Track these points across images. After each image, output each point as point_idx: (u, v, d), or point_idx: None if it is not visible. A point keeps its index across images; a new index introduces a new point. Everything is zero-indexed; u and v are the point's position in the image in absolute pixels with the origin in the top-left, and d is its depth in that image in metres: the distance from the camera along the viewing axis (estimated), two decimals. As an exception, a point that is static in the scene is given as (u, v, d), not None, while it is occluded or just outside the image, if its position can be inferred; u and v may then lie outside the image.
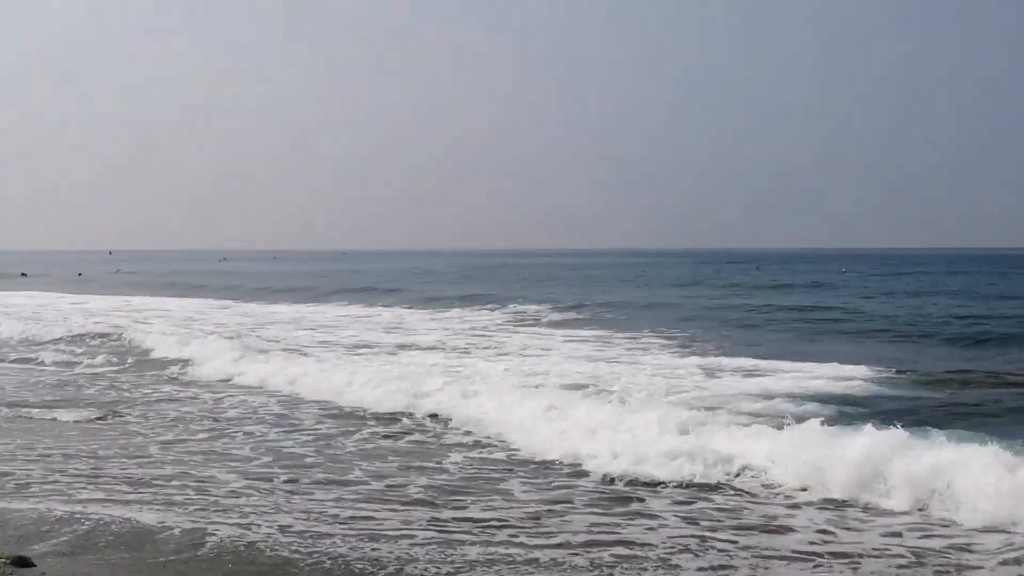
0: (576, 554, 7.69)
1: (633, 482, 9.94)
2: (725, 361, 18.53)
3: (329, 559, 7.55)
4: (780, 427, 11.00)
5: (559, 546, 7.87)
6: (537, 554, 7.69)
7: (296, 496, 9.43)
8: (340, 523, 8.52)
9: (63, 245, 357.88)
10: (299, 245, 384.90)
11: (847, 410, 13.25)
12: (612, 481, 10.01)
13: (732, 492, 9.63)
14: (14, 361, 20.93)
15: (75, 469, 10.52)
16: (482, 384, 14.88)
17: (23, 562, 7.17)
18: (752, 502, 9.29)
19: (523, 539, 8.08)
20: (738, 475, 10.05)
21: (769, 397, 14.14)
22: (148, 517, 8.64)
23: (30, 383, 17.46)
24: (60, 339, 24.06)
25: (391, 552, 7.71)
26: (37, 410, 14.30)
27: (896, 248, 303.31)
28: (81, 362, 20.38)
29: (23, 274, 74.97)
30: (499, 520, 8.63)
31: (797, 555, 7.70)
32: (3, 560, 7.13)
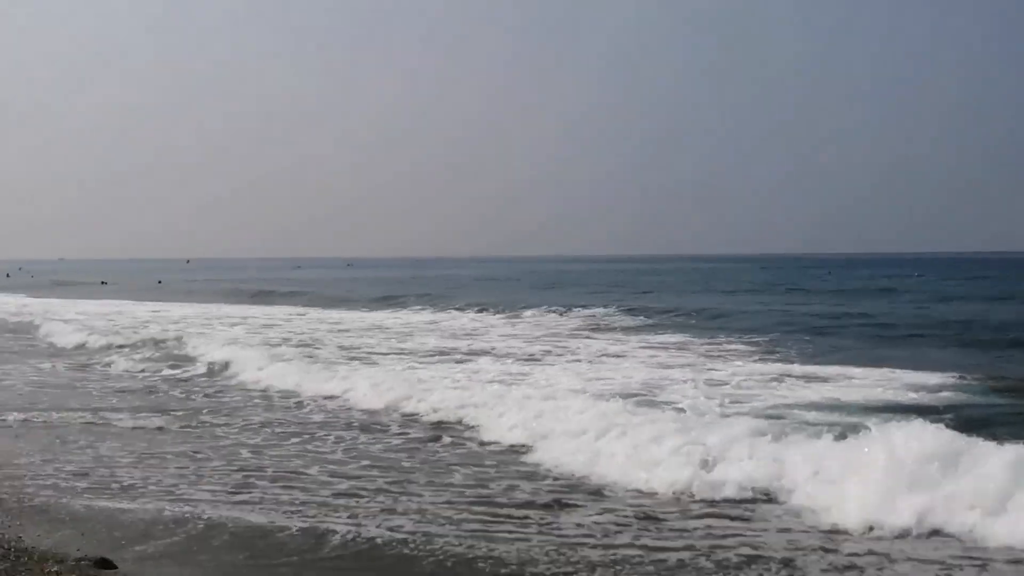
0: (702, 554, 7.64)
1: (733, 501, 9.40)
2: (810, 369, 18.00)
3: (450, 558, 7.60)
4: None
5: (685, 548, 7.83)
6: (662, 555, 7.65)
7: (403, 497, 9.48)
8: (451, 524, 8.54)
9: (143, 254, 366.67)
10: (370, 252, 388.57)
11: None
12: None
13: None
14: (94, 367, 21.13)
15: (176, 471, 10.70)
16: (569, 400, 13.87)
17: (105, 563, 7.23)
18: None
19: (646, 541, 8.04)
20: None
21: (861, 408, 13.52)
22: (258, 517, 8.77)
23: (114, 389, 17.60)
24: (137, 346, 24.47)
25: (508, 552, 7.72)
26: (121, 415, 14.50)
27: (964, 252, 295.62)
28: (160, 369, 20.54)
29: (103, 282, 76.61)
30: (616, 524, 8.56)
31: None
32: (85, 562, 7.21)
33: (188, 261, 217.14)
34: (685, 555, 7.64)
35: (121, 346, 24.79)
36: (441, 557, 7.66)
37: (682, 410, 13.20)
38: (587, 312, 34.87)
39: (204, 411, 15.04)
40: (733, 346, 23.06)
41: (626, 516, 8.83)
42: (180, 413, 14.81)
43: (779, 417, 12.50)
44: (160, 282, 76.45)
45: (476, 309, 39.03)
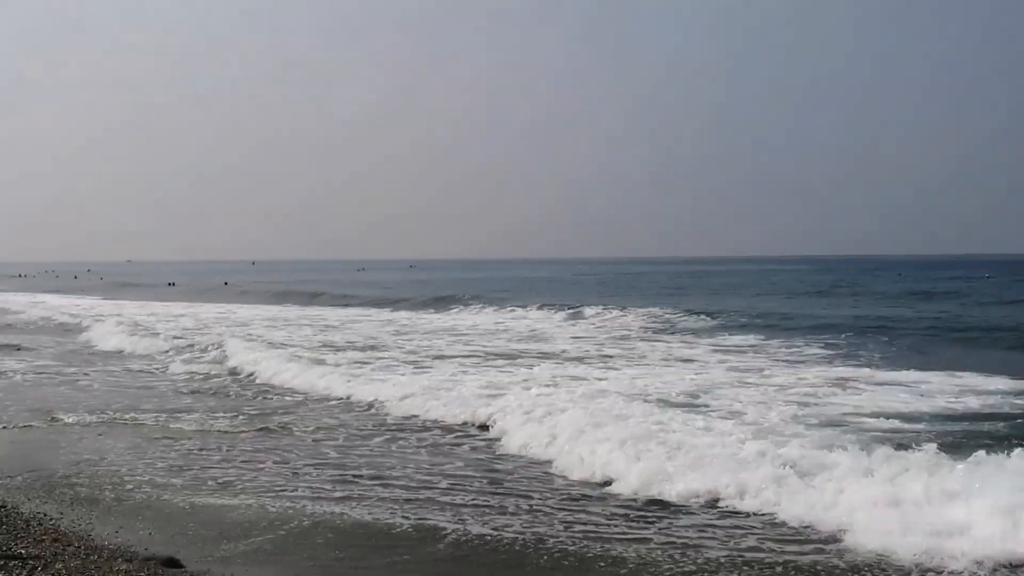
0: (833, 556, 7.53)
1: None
2: (890, 375, 17.44)
3: (565, 558, 7.55)
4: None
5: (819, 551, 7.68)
6: (788, 556, 7.54)
7: (509, 498, 9.46)
8: (561, 524, 8.50)
9: (211, 256, 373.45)
10: (432, 254, 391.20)
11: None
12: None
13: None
14: (161, 369, 21.13)
15: (271, 469, 10.76)
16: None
17: (172, 563, 7.25)
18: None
19: (770, 544, 7.90)
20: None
21: (950, 416, 13.05)
22: (363, 515, 8.84)
23: (185, 391, 17.60)
24: (204, 347, 24.48)
25: (625, 552, 7.66)
26: (196, 415, 14.56)
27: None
28: (226, 370, 20.45)
29: (171, 284, 77.92)
30: (740, 528, 8.41)
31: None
32: (153, 560, 7.23)
33: (253, 263, 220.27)
34: (818, 558, 7.51)
35: (188, 347, 24.92)
36: (557, 556, 7.61)
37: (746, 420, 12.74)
38: (653, 314, 34.35)
39: (278, 411, 15.03)
40: (810, 350, 22.68)
41: (748, 521, 8.62)
42: (254, 413, 14.84)
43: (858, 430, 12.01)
44: (226, 283, 77.39)
45: (539, 309, 38.99)
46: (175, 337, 27.43)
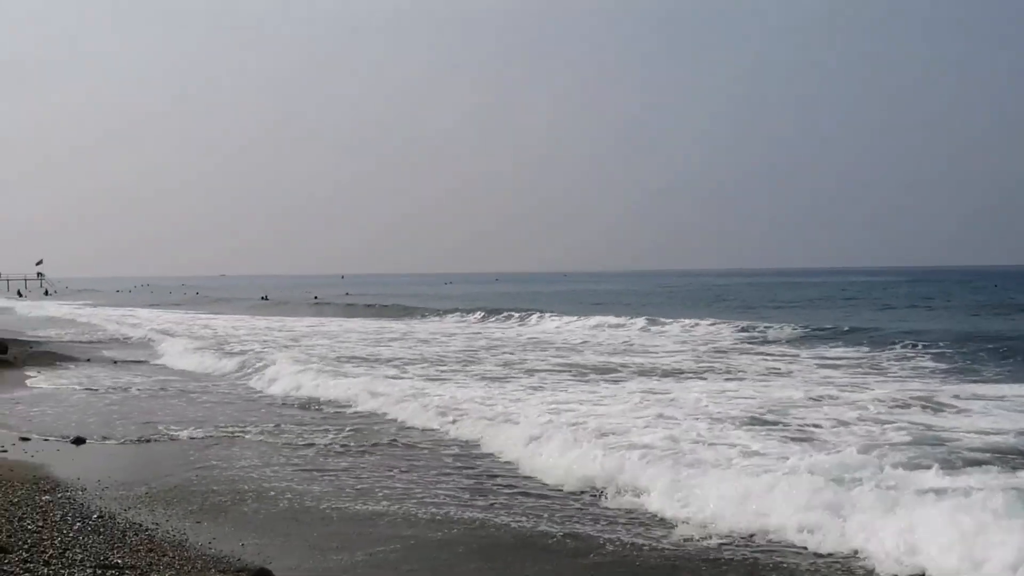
0: None
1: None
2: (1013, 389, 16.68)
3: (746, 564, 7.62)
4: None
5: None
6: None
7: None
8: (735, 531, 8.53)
9: (301, 270, 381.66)
10: (517, 267, 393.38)
11: None
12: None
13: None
14: (256, 383, 21.05)
15: (403, 477, 10.90)
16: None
17: (263, 573, 7.22)
18: None
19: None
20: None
21: None
22: (508, 521, 8.97)
23: (279, 404, 17.65)
24: (300, 361, 24.11)
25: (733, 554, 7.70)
26: (301, 428, 14.56)
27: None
28: (321, 383, 19.85)
29: (264, 297, 79.19)
30: None
31: None
32: (245, 572, 7.23)
33: (343, 277, 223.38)
34: None
35: (280, 361, 24.98)
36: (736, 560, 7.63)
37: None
38: (744, 325, 33.34)
39: (386, 427, 14.73)
40: (920, 362, 21.96)
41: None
42: (360, 428, 14.56)
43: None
44: (316, 298, 78.41)
45: (628, 319, 38.49)
46: (266, 350, 27.50)
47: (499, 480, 10.78)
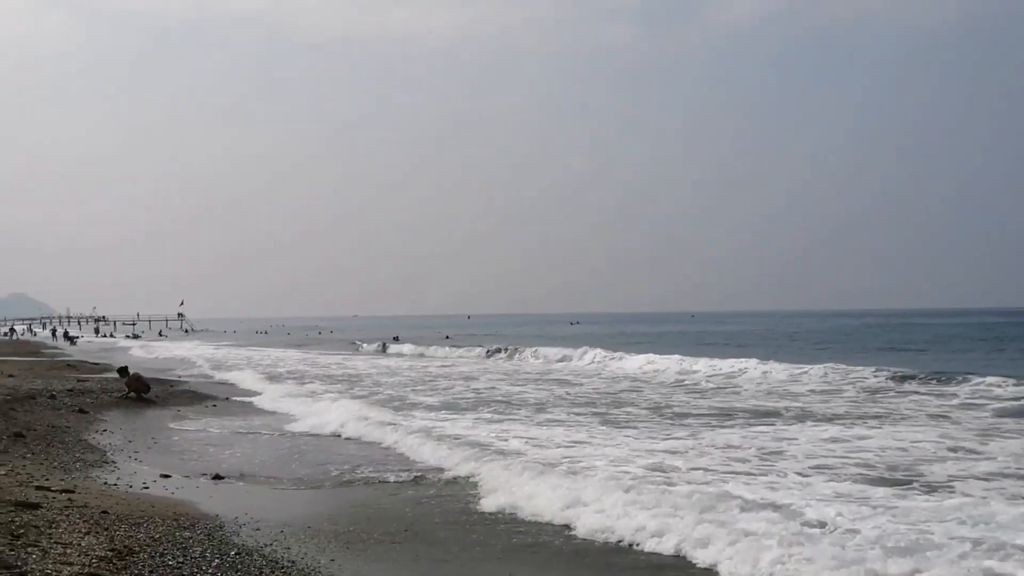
0: None
1: None
2: None
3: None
4: None
5: None
6: None
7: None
8: None
9: (429, 311, 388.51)
10: (642, 307, 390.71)
11: None
12: None
13: None
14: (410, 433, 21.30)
15: None
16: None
17: None
18: None
19: None
20: None
21: None
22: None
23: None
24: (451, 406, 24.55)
25: None
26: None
27: None
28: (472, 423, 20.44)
29: (395, 338, 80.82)
30: None
31: None
32: None
33: (469, 317, 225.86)
34: None
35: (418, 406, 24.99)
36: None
37: None
38: (887, 368, 30.81)
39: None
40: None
41: None
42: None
43: None
44: (448, 337, 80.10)
45: (764, 363, 36.59)
46: (407, 392, 27.85)
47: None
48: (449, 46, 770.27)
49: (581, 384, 30.58)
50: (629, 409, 21.88)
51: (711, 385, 29.13)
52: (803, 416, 19.93)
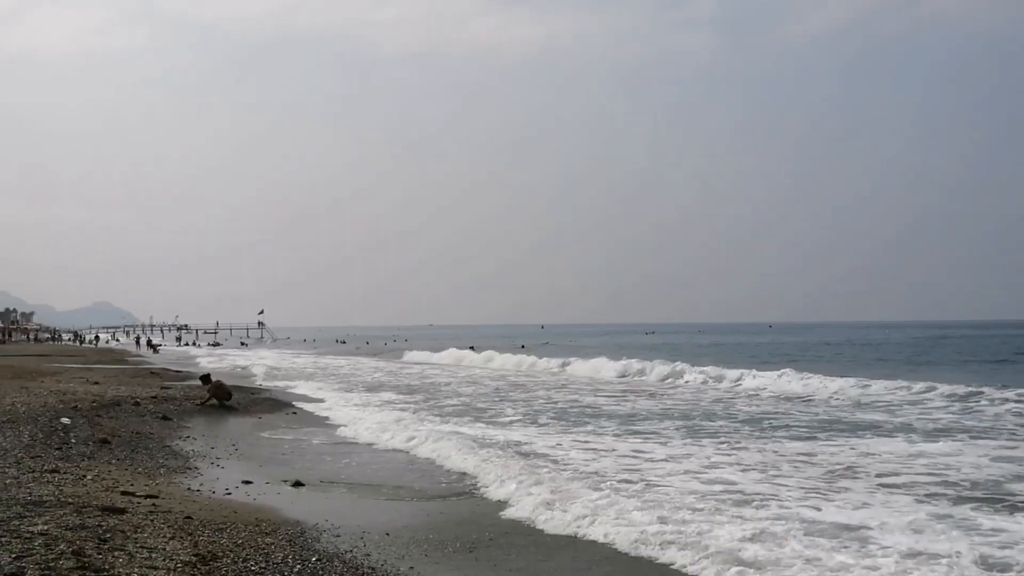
0: None
1: None
2: None
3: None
4: None
5: None
6: None
7: None
8: None
9: (502, 319, 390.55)
10: (717, 318, 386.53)
11: None
12: None
13: None
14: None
15: None
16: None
17: None
18: None
19: None
20: None
21: None
22: None
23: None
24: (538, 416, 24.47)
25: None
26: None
27: None
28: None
29: (471, 347, 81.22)
30: None
31: None
32: None
33: (543, 327, 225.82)
34: None
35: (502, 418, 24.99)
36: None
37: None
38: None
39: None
40: None
41: None
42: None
43: None
44: (523, 346, 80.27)
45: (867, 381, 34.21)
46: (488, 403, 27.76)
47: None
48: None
49: (674, 401, 30.28)
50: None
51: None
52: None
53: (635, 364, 43.08)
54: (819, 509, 11.31)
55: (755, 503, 11.54)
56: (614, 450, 16.60)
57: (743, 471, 14.18)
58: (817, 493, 12.36)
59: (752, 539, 9.60)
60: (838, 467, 14.62)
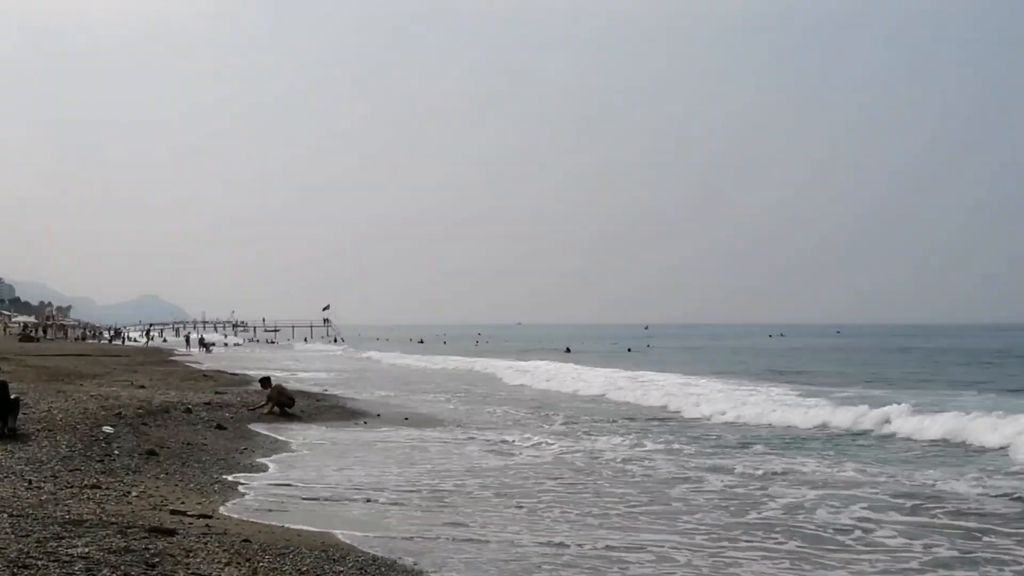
0: None
1: None
2: None
3: None
4: None
5: None
6: None
7: None
8: None
9: (600, 319, 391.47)
10: (857, 319, 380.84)
11: None
12: None
13: None
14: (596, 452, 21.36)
15: None
16: None
17: None
18: None
19: None
20: None
21: None
22: None
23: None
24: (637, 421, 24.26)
25: None
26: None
27: None
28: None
29: (567, 350, 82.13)
30: None
31: None
32: None
33: (646, 327, 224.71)
34: None
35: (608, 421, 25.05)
36: None
37: None
38: None
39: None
40: None
41: None
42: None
43: None
44: (630, 350, 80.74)
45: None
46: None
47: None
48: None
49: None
50: None
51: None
52: None
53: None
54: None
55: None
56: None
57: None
58: None
59: None
60: None
